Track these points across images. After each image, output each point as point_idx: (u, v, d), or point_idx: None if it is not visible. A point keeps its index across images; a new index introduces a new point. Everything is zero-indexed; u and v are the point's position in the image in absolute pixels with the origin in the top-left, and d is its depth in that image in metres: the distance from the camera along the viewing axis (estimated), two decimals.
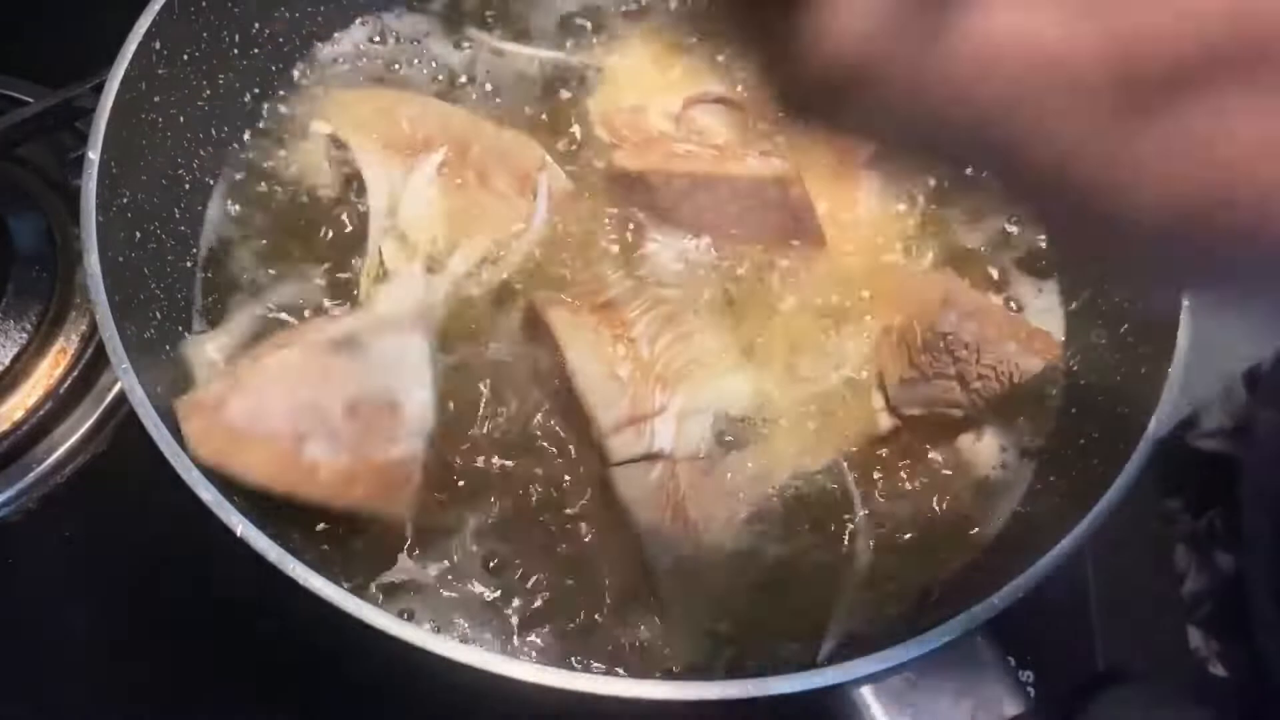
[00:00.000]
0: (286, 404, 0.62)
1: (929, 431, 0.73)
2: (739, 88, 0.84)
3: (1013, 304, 0.80)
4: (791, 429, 0.72)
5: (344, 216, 0.78)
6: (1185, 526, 0.92)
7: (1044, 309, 0.80)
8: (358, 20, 0.87)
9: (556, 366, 0.69)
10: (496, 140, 0.80)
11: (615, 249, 0.78)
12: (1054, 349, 0.71)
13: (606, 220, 0.79)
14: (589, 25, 0.89)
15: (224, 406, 0.61)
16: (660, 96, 0.84)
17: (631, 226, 0.78)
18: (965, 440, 0.74)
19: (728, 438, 0.71)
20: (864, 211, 0.82)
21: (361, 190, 0.78)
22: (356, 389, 0.64)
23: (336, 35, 0.86)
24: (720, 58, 0.85)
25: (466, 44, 0.87)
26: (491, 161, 0.79)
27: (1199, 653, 0.87)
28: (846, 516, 0.70)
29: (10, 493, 0.78)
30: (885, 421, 0.73)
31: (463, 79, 0.85)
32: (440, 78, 0.85)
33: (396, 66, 0.86)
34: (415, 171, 0.78)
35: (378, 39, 0.87)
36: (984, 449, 0.74)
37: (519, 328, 0.73)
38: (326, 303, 0.75)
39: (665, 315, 0.72)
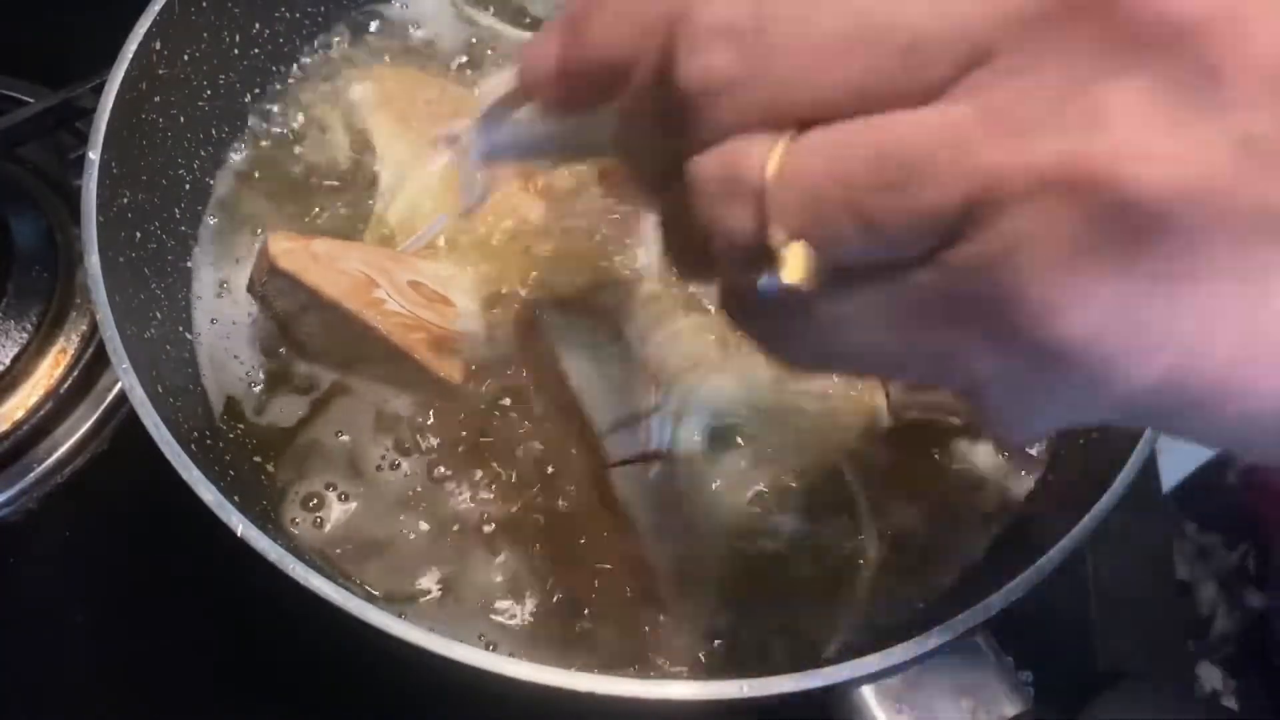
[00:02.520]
0: (360, 259, 0.70)
1: (928, 433, 0.73)
2: None
3: None
4: (790, 426, 0.72)
5: (349, 209, 0.78)
6: (1219, 562, 0.93)
7: None
8: (358, 14, 0.87)
9: (550, 367, 0.69)
10: None
11: (608, 245, 0.78)
12: None
13: (599, 216, 0.79)
14: None
15: (310, 243, 0.69)
16: None
17: (624, 223, 0.78)
18: (964, 442, 0.73)
19: (725, 436, 0.71)
20: None
21: (366, 184, 0.78)
22: (418, 276, 0.72)
23: (341, 25, 0.86)
24: None
25: (471, 25, 0.87)
26: None
27: (1213, 687, 0.88)
28: (848, 515, 0.70)
29: (10, 493, 0.78)
30: (887, 420, 0.73)
31: (468, 63, 0.86)
32: (449, 63, 0.86)
33: (408, 50, 0.86)
34: (432, 153, 0.79)
35: (387, 25, 0.87)
36: (983, 450, 0.74)
37: (511, 329, 0.73)
38: None
39: (658, 313, 0.72)
